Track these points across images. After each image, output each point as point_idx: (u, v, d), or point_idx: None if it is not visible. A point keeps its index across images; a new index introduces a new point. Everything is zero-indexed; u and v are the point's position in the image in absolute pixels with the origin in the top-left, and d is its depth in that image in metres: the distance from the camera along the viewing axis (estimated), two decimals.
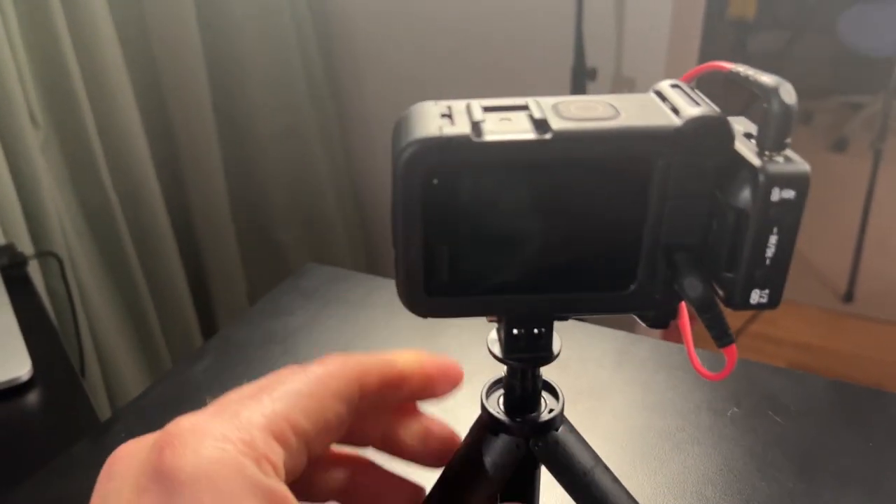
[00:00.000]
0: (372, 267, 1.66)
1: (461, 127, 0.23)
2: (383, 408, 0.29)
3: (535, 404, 0.30)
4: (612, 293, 0.26)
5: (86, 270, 1.05)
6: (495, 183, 0.24)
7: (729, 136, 0.23)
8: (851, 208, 2.10)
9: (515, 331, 0.27)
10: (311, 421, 0.24)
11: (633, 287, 0.25)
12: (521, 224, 0.25)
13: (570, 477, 0.29)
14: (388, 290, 0.58)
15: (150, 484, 0.20)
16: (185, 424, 0.21)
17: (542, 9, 1.23)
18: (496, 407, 0.30)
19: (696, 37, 1.40)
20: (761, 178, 0.22)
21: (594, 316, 0.28)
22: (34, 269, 0.91)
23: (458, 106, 0.24)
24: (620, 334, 0.53)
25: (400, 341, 0.53)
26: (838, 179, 2.52)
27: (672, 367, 0.49)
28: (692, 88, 0.25)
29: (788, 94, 0.22)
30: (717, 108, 0.23)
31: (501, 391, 0.31)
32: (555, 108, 0.24)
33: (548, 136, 0.23)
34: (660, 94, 0.25)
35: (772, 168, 0.22)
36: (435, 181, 0.23)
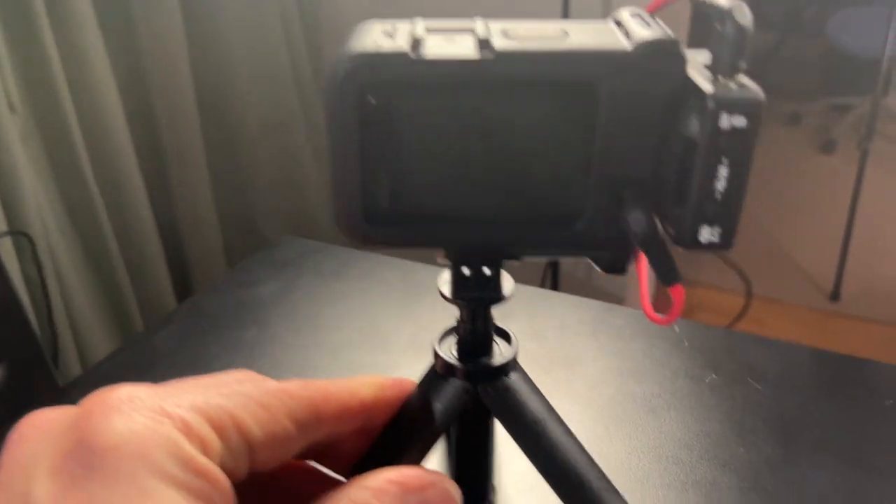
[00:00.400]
0: None
1: (400, 44, 0.22)
2: (349, 432, 0.27)
3: (487, 349, 0.29)
4: (560, 229, 0.24)
5: (63, 256, 1.03)
6: (434, 104, 0.23)
7: (680, 60, 0.22)
8: (838, 209, 2.11)
9: (465, 270, 0.26)
10: (259, 428, 0.23)
11: (580, 224, 0.24)
12: (463, 149, 0.23)
13: (519, 426, 0.28)
14: (363, 262, 0.57)
15: (67, 461, 0.19)
16: (118, 393, 0.20)
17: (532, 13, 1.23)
18: (447, 352, 0.29)
19: (683, 31, 1.39)
20: (710, 103, 0.20)
21: (547, 258, 0.26)
22: (9, 251, 0.90)
23: (404, 25, 0.23)
24: (597, 304, 0.52)
25: (374, 312, 0.52)
26: (826, 180, 2.53)
27: (649, 336, 0.48)
28: (653, 17, 0.24)
29: (743, 15, 0.21)
30: (671, 33, 0.22)
31: (454, 338, 0.30)
32: (503, 30, 0.23)
33: (489, 55, 0.21)
34: (618, 22, 0.24)
35: (722, 93, 0.21)
36: (371, 99, 0.22)
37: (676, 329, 0.49)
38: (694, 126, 0.21)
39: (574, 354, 0.47)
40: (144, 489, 0.18)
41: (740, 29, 0.21)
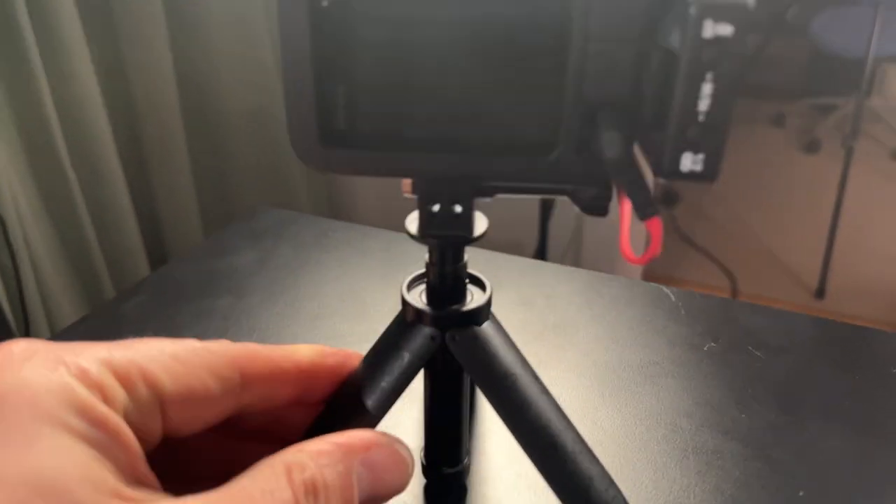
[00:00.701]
0: None
1: None
2: (286, 398, 0.25)
3: (459, 295, 0.27)
4: (533, 159, 0.22)
5: (37, 241, 1.00)
6: (394, 10, 0.20)
7: None
8: (823, 207, 2.11)
9: (434, 207, 0.24)
10: (172, 381, 0.21)
11: (555, 153, 0.22)
12: (426, 65, 0.21)
13: (489, 379, 0.26)
14: (344, 231, 0.55)
15: None
16: (12, 347, 0.19)
17: None
18: (416, 298, 0.27)
19: None
20: (692, 9, 0.18)
21: (522, 194, 0.24)
22: None
23: None
24: (590, 273, 0.50)
25: (355, 281, 0.49)
26: (810, 179, 2.53)
27: (644, 304, 0.46)
28: None
29: None
30: None
31: (423, 286, 0.28)
32: None
33: None
34: None
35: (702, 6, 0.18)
36: (324, 2, 0.20)
37: (672, 297, 0.47)
38: (675, 37, 0.19)
39: (566, 321, 0.45)
40: (32, 435, 0.17)
41: None
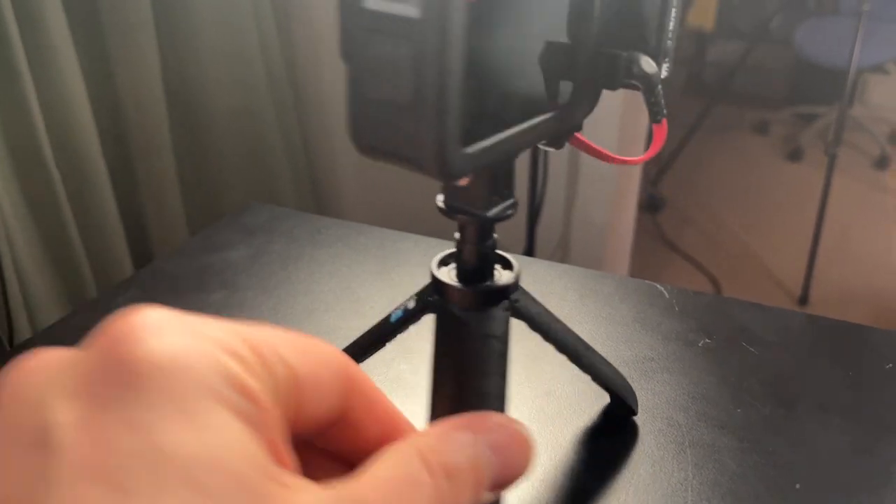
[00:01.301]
0: None
1: None
2: (360, 440, 0.23)
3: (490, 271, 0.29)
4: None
5: (19, 239, 0.99)
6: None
7: None
8: (806, 214, 2.13)
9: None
10: (302, 367, 0.19)
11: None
12: (516, 44, 0.23)
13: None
14: (337, 228, 0.54)
15: (92, 384, 0.15)
16: (145, 313, 0.16)
17: None
18: (498, 278, 0.29)
19: None
20: None
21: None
22: None
23: None
24: (584, 270, 0.50)
25: (349, 277, 0.49)
26: (794, 187, 2.56)
27: (638, 301, 0.46)
28: None
29: None
30: None
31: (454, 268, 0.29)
32: None
33: None
34: None
35: None
36: None
37: (666, 294, 0.47)
38: None
39: (560, 317, 0.45)
40: (193, 409, 0.15)
41: None
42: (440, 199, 0.27)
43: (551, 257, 1.45)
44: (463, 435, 0.20)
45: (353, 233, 0.53)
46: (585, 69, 0.24)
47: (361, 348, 0.35)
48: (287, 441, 0.18)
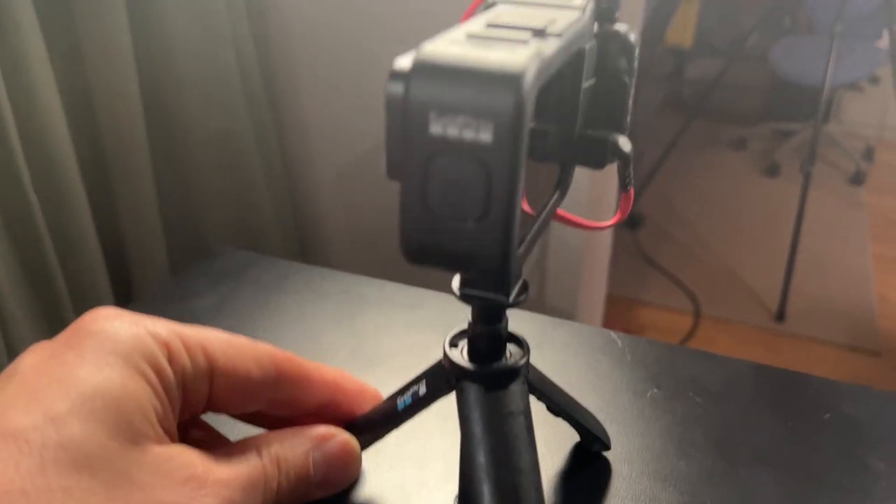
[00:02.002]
0: None
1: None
2: (311, 409, 0.30)
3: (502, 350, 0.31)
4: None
5: (5, 283, 0.99)
6: None
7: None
8: (783, 230, 2.16)
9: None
10: (224, 358, 0.26)
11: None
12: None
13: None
14: (303, 273, 0.56)
15: (55, 343, 0.24)
16: (108, 308, 0.25)
17: None
18: (515, 357, 0.31)
19: None
20: (632, 38, 0.28)
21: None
22: None
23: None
24: (543, 318, 0.51)
25: (313, 325, 0.50)
26: (771, 203, 2.59)
27: (592, 351, 0.48)
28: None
29: None
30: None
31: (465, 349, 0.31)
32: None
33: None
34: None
35: (633, 35, 0.28)
36: None
37: (619, 343, 0.48)
38: (623, 64, 0.28)
39: None
40: (106, 363, 0.23)
41: None
42: (455, 286, 0.28)
43: (529, 277, 1.47)
44: (298, 437, 0.27)
45: (317, 278, 0.55)
46: (578, 152, 0.28)
47: (369, 436, 0.33)
48: (176, 417, 0.25)
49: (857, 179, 2.69)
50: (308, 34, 1.40)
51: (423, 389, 0.32)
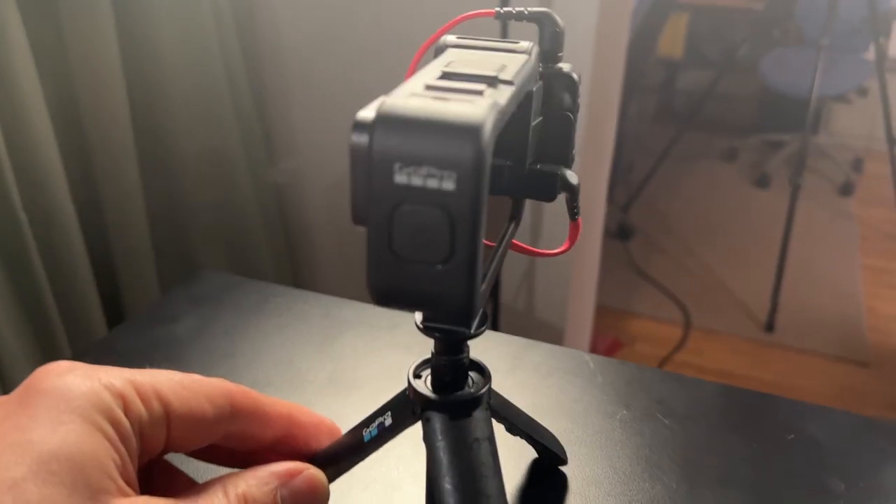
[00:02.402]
0: None
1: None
2: (267, 444, 0.30)
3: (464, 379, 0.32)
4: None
5: None
6: None
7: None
8: (773, 241, 2.18)
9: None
10: (179, 402, 0.26)
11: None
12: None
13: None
14: (285, 297, 0.57)
15: (8, 403, 0.24)
16: (60, 363, 0.25)
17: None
18: (471, 387, 0.31)
19: (618, 74, 1.43)
20: (575, 76, 0.29)
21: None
22: None
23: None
24: (516, 340, 0.52)
25: (292, 349, 0.51)
26: (761, 214, 2.61)
27: (564, 372, 0.49)
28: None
29: (556, 20, 0.29)
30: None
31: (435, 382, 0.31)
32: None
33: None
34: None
35: (576, 73, 0.29)
36: None
37: (591, 364, 0.50)
38: (567, 101, 0.30)
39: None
40: (61, 420, 0.23)
41: (558, 28, 0.29)
42: (418, 319, 0.29)
43: (518, 290, 1.48)
44: (264, 474, 0.27)
45: (298, 302, 0.56)
46: (529, 186, 0.30)
47: (334, 469, 0.33)
48: (135, 465, 0.25)
49: (846, 190, 2.71)
50: (298, 50, 1.42)
51: (388, 420, 0.32)
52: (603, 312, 2.00)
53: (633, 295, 2.20)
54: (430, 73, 0.25)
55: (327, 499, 0.31)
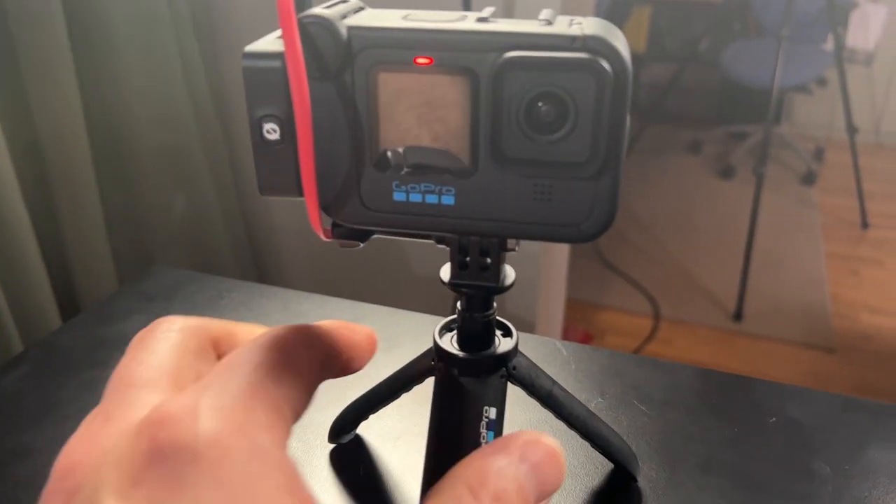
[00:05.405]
0: None
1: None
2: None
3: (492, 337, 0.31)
4: None
5: None
6: None
7: None
8: (739, 231, 2.19)
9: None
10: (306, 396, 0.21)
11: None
12: None
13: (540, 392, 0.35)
14: (240, 291, 0.54)
15: (146, 472, 0.16)
16: (172, 404, 0.17)
17: None
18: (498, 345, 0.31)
19: None
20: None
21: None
22: None
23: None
24: None
25: None
26: (727, 205, 2.63)
27: (537, 360, 0.47)
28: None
29: None
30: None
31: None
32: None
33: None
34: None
35: None
36: None
37: (564, 352, 0.48)
38: None
39: None
40: (239, 495, 0.16)
41: None
42: (445, 275, 0.28)
43: None
44: (502, 459, 0.21)
45: (254, 296, 0.53)
46: None
47: (369, 404, 0.37)
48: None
49: (809, 180, 2.74)
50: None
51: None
52: (573, 306, 1.99)
53: (603, 288, 2.20)
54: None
55: (565, 465, 0.24)
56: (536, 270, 1.44)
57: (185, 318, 0.23)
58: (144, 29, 1.24)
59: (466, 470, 0.21)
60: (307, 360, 0.22)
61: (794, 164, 2.88)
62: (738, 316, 2.08)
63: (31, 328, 1.12)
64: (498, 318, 0.30)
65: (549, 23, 0.22)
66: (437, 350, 0.30)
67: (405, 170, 0.22)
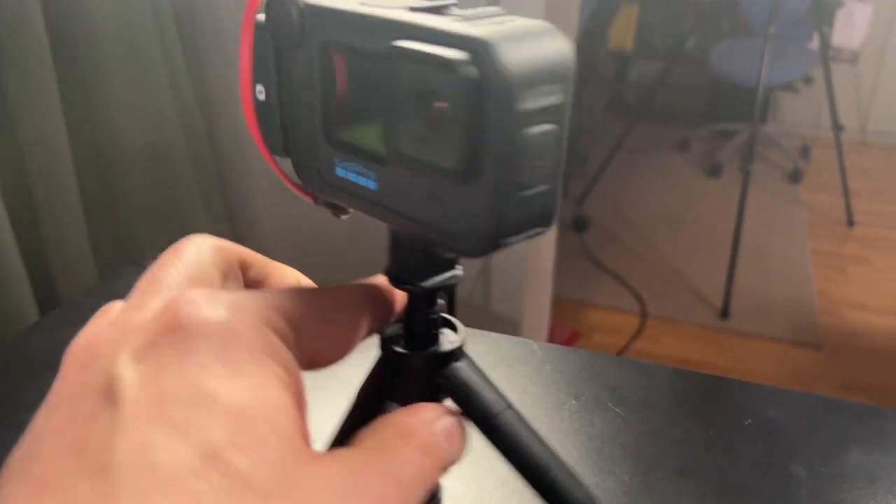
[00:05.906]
0: None
1: None
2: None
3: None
4: None
5: None
6: None
7: None
8: (726, 229, 2.19)
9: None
10: (312, 320, 0.22)
11: None
12: None
13: (480, 413, 0.27)
14: None
15: (162, 338, 0.18)
16: (197, 291, 0.19)
17: None
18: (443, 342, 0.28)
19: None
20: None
21: None
22: None
23: None
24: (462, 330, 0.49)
25: None
26: (714, 202, 2.63)
27: (511, 362, 0.46)
28: None
29: None
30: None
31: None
32: None
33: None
34: None
35: None
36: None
37: (539, 353, 0.47)
38: None
39: None
40: (242, 371, 0.18)
41: None
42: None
43: (473, 284, 1.46)
44: (428, 413, 0.22)
45: None
46: None
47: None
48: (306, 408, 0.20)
49: (795, 177, 2.75)
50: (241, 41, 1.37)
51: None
52: (560, 304, 1.99)
53: (590, 286, 2.20)
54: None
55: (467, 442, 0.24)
56: (523, 269, 1.44)
57: (217, 238, 0.24)
58: (127, 27, 1.23)
59: (394, 419, 0.22)
60: (366, 317, 0.24)
61: (780, 162, 2.88)
62: (724, 313, 2.08)
63: (7, 329, 1.11)
64: (446, 315, 0.28)
65: (465, 19, 0.21)
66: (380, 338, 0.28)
67: (341, 146, 0.23)
